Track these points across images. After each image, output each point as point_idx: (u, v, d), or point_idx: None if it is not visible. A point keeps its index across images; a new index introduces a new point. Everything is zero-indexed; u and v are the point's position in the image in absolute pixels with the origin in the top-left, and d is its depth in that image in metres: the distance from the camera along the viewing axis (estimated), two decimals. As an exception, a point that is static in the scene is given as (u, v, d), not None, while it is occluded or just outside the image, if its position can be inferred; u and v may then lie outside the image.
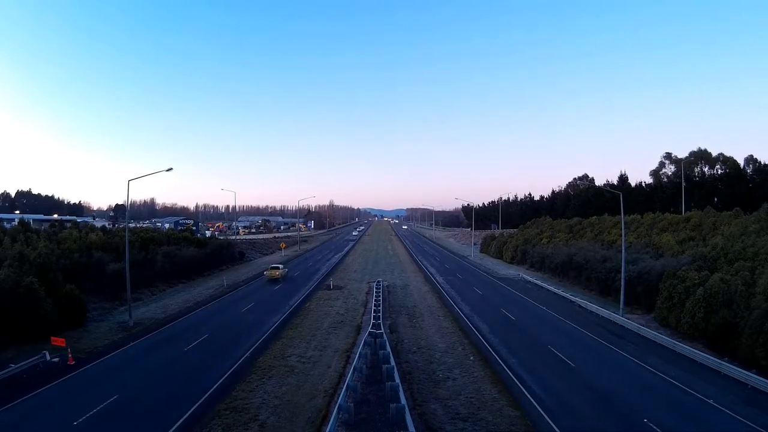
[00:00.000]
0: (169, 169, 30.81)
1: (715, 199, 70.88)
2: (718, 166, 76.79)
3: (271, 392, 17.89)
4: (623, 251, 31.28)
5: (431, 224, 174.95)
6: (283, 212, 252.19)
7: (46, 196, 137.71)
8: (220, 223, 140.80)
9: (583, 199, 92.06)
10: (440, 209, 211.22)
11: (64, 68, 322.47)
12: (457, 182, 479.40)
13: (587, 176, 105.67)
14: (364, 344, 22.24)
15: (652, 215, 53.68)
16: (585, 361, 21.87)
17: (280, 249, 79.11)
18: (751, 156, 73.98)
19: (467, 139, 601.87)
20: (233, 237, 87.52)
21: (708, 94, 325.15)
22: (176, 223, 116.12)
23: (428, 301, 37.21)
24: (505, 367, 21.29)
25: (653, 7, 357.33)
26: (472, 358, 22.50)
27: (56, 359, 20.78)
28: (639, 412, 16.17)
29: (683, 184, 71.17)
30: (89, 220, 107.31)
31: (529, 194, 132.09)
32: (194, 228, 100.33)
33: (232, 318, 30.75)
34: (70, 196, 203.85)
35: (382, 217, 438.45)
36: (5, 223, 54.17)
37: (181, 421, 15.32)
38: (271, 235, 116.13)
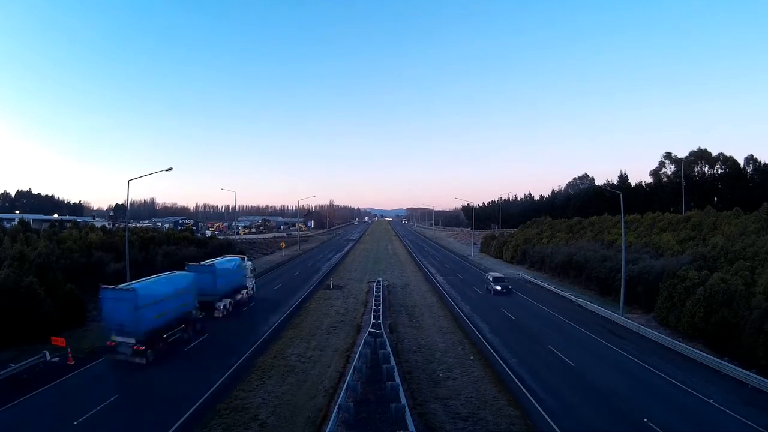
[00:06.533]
0: (169, 169, 30.85)
1: (715, 199, 70.95)
2: (718, 166, 76.83)
3: (271, 392, 17.89)
4: (623, 251, 31.27)
5: (431, 224, 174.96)
6: (283, 212, 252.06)
7: (46, 196, 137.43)
8: (220, 223, 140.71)
9: (583, 199, 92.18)
10: (440, 209, 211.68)
11: (65, 68, 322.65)
12: (457, 182, 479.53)
13: (587, 176, 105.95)
14: (364, 344, 22.26)
15: (652, 215, 53.71)
16: (585, 361, 21.88)
17: (280, 249, 79.12)
18: (751, 156, 74.17)
19: (468, 139, 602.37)
20: (233, 237, 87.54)
21: (708, 93, 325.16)
22: (176, 223, 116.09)
23: (428, 301, 37.21)
24: (505, 366, 21.31)
25: (653, 7, 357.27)
26: (472, 357, 22.51)
27: (56, 359, 20.76)
28: (639, 412, 16.18)
29: (683, 183, 71.19)
30: (89, 220, 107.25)
31: (529, 194, 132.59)
32: (194, 228, 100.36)
33: (232, 318, 30.71)
34: (70, 196, 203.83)
35: (382, 216, 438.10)
36: (5, 223, 54.18)
37: (183, 418, 15.34)
38: (271, 235, 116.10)
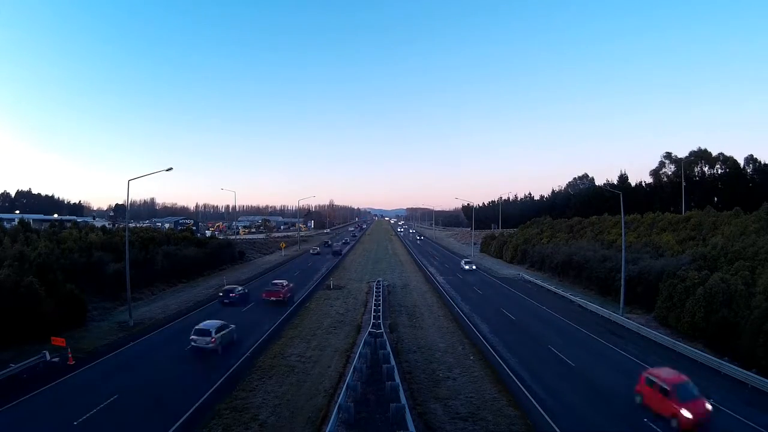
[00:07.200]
0: (169, 169, 30.81)
1: (715, 199, 70.84)
2: (718, 166, 76.70)
3: (271, 392, 17.89)
4: (623, 251, 31.28)
5: (431, 224, 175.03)
6: (283, 212, 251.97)
7: (46, 196, 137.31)
8: (220, 223, 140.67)
9: (583, 199, 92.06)
10: (440, 209, 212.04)
11: (65, 68, 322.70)
12: (457, 182, 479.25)
13: (587, 176, 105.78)
14: (364, 344, 22.27)
15: (652, 215, 53.67)
16: (585, 361, 21.88)
17: (280, 249, 79.12)
18: (751, 156, 73.98)
19: (468, 139, 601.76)
20: (233, 237, 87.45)
21: (708, 94, 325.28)
22: (176, 223, 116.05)
23: (428, 301, 37.22)
24: (505, 366, 21.31)
25: (653, 7, 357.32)
26: (472, 357, 22.51)
27: (56, 359, 20.77)
28: (639, 412, 16.19)
29: (683, 183, 71.15)
30: (89, 220, 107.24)
31: (529, 194, 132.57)
32: (194, 228, 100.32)
33: (232, 317, 30.54)
34: (70, 196, 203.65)
35: (383, 216, 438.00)
36: (5, 223, 54.07)
37: (182, 419, 15.34)
38: (271, 235, 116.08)
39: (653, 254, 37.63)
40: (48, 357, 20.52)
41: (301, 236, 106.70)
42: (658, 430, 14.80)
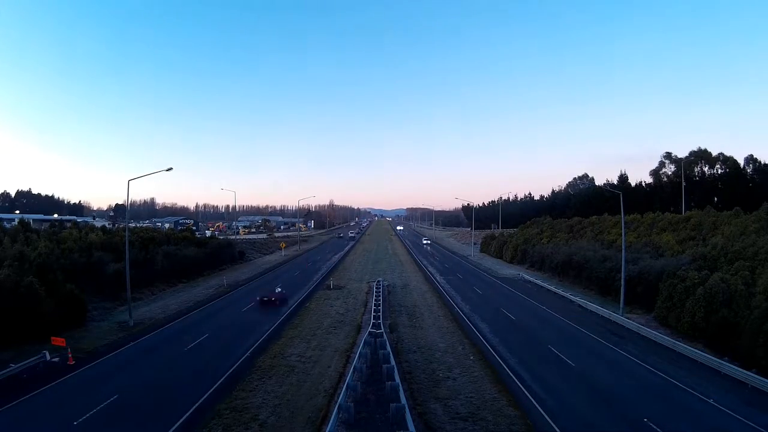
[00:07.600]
0: (169, 169, 30.86)
1: (715, 199, 70.82)
2: (718, 166, 76.66)
3: (271, 392, 17.89)
4: (623, 251, 31.29)
5: (431, 224, 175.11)
6: (283, 212, 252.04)
7: (46, 196, 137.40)
8: (220, 223, 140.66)
9: (583, 199, 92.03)
10: (440, 209, 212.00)
11: (65, 67, 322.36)
12: (457, 182, 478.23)
13: (587, 176, 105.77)
14: (364, 344, 22.27)
15: (652, 215, 53.67)
16: (585, 361, 21.88)
17: (280, 249, 79.15)
18: (751, 156, 73.95)
19: (468, 139, 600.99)
20: (233, 237, 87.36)
21: (708, 94, 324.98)
22: (176, 223, 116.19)
23: (428, 301, 37.22)
24: (505, 366, 21.31)
25: (653, 6, 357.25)
26: (472, 357, 22.51)
27: (56, 359, 20.80)
28: (639, 412, 16.17)
29: (683, 183, 71.14)
30: (89, 220, 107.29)
31: (529, 194, 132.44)
32: (194, 228, 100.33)
33: (232, 318, 30.75)
34: (70, 196, 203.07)
35: (383, 216, 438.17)
36: (5, 223, 54.11)
37: (182, 419, 15.34)
38: (272, 235, 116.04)
39: (653, 254, 37.64)
40: (48, 357, 20.55)
41: (302, 236, 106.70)
42: (659, 430, 14.78)
